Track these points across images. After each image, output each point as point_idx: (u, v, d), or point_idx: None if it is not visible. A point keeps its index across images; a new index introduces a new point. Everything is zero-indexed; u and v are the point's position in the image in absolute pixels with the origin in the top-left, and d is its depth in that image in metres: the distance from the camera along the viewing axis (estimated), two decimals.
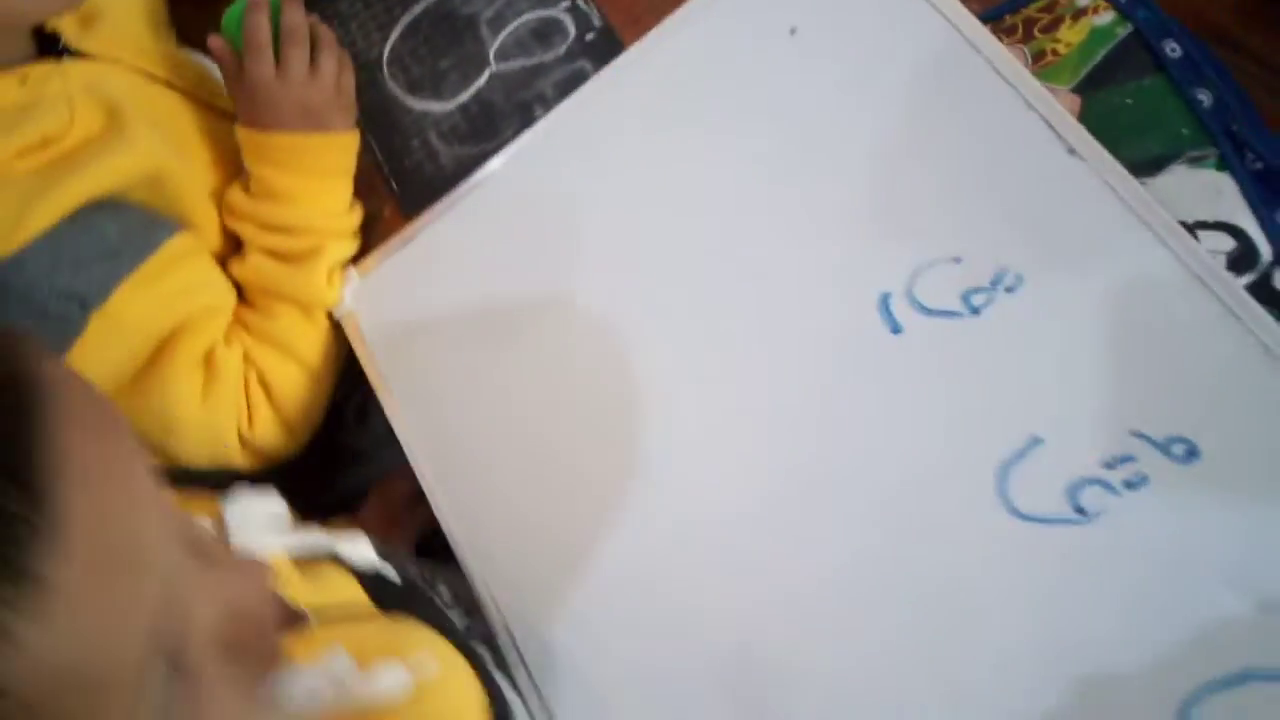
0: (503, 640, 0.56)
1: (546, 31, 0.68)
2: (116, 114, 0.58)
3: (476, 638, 0.55)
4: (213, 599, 0.29)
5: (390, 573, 0.53)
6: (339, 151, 0.64)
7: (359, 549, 0.52)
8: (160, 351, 0.59)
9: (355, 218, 0.66)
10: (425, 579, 0.57)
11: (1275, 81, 0.56)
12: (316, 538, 0.51)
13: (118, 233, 0.57)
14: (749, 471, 0.55)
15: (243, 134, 0.63)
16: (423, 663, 0.43)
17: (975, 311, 0.53)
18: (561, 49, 0.68)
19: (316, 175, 0.63)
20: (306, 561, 0.50)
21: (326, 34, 0.65)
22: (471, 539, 0.59)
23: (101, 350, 0.56)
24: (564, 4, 0.69)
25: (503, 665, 0.56)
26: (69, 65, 0.58)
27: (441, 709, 0.44)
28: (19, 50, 0.56)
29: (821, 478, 0.53)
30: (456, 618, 0.55)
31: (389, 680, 0.41)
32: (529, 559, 0.58)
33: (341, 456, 0.82)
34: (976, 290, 0.53)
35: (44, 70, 0.56)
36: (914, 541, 0.51)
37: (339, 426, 0.78)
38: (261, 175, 0.63)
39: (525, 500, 0.59)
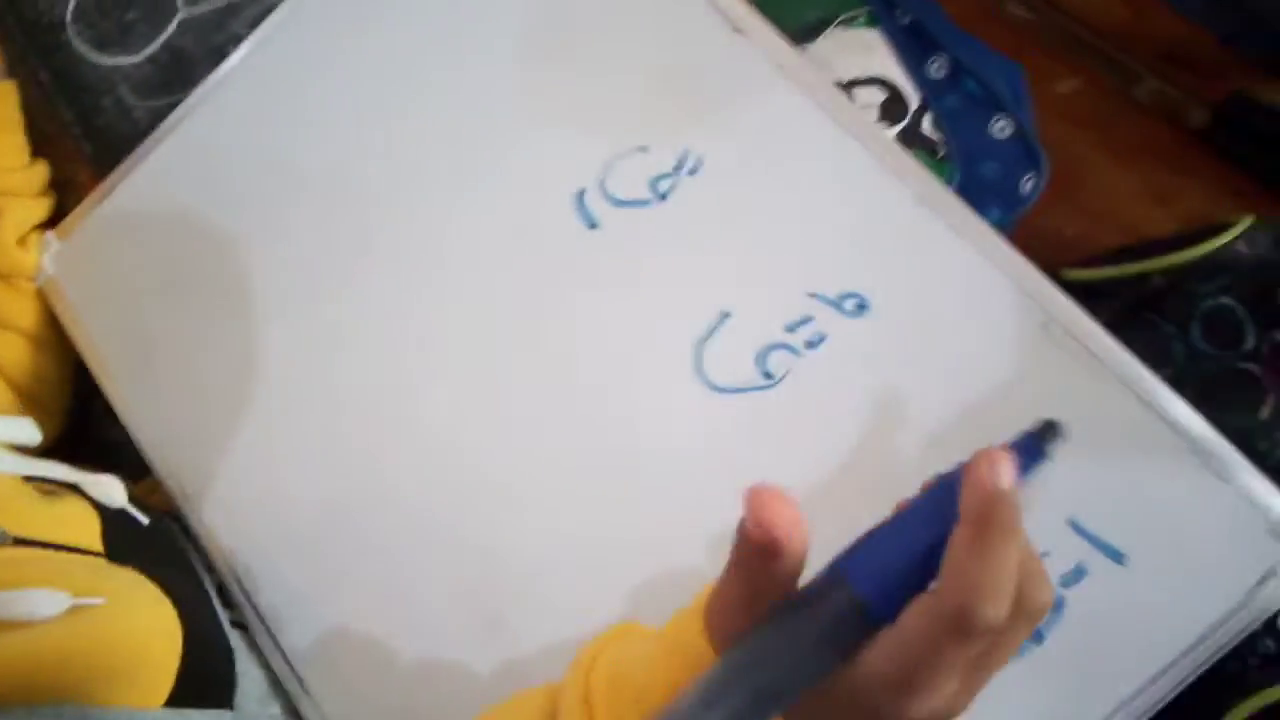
0: (236, 594, 0.55)
1: None
2: None
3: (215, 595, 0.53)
4: None
5: (137, 514, 0.53)
6: None
7: (106, 487, 0.52)
8: None
9: (37, 175, 0.62)
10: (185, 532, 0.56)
11: None
12: (59, 469, 0.51)
13: None
14: (463, 375, 0.54)
15: None
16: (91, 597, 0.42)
17: (663, 198, 0.53)
18: None
19: None
20: (47, 489, 0.50)
21: None
22: (206, 506, 0.57)
23: None
24: None
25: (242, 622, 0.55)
26: None
27: (103, 632, 0.43)
28: None
29: (528, 371, 0.53)
30: (201, 566, 0.54)
31: (40, 601, 0.41)
32: (261, 516, 0.56)
33: (101, 453, 0.78)
34: (662, 176, 0.53)
35: None
36: (620, 427, 0.51)
37: (90, 420, 0.74)
38: None
39: (252, 456, 0.57)
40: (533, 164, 0.55)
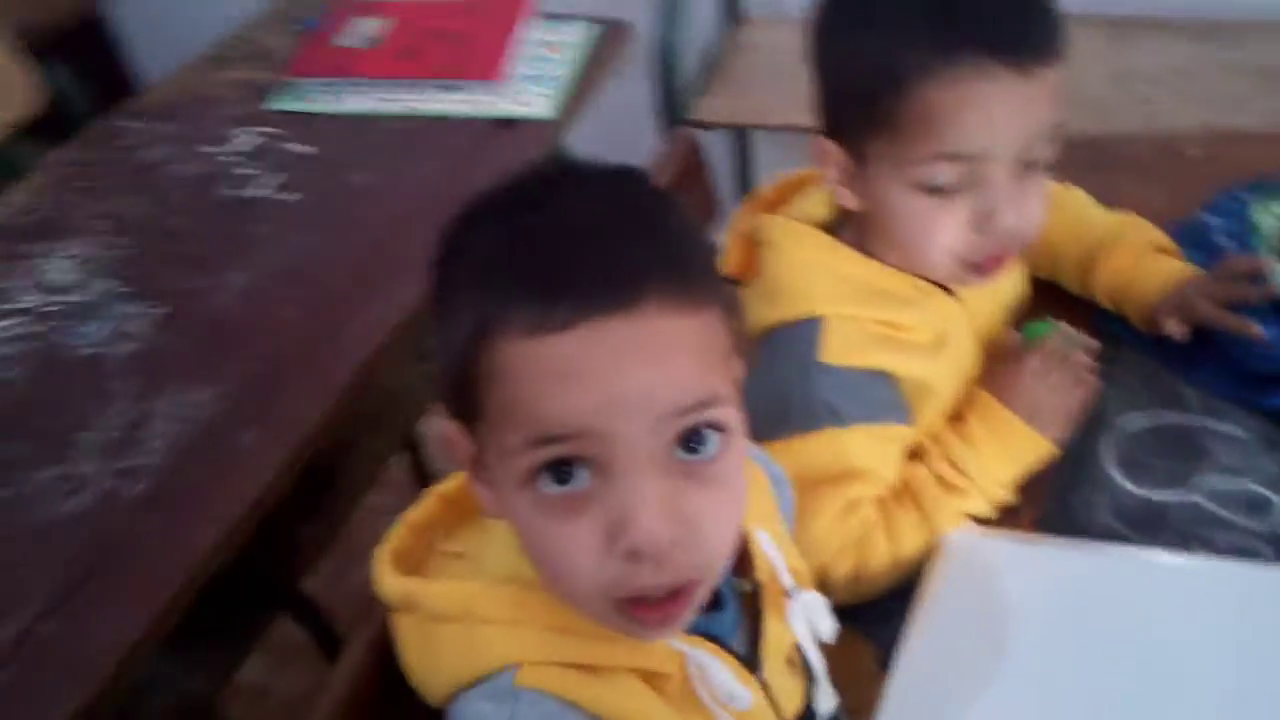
0: None
1: (1257, 503, 0.76)
2: (944, 339, 0.83)
3: None
4: None
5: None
6: (1029, 444, 0.81)
7: (830, 694, 0.66)
8: (835, 479, 0.78)
9: (1005, 496, 0.81)
10: None
11: None
12: (817, 660, 0.66)
13: (885, 398, 0.81)
14: None
15: (978, 390, 0.84)
16: None
17: None
18: (1255, 524, 0.74)
19: (1003, 447, 0.80)
20: (798, 662, 0.65)
21: (1080, 367, 0.83)
22: None
23: (814, 449, 0.78)
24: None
25: None
26: (945, 297, 0.84)
27: None
28: (935, 276, 0.82)
29: None
30: None
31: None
32: None
33: None
34: None
35: (932, 290, 0.83)
36: None
37: None
38: (967, 417, 0.82)
39: None
40: None
